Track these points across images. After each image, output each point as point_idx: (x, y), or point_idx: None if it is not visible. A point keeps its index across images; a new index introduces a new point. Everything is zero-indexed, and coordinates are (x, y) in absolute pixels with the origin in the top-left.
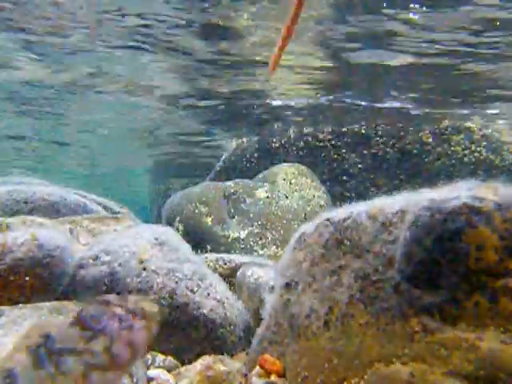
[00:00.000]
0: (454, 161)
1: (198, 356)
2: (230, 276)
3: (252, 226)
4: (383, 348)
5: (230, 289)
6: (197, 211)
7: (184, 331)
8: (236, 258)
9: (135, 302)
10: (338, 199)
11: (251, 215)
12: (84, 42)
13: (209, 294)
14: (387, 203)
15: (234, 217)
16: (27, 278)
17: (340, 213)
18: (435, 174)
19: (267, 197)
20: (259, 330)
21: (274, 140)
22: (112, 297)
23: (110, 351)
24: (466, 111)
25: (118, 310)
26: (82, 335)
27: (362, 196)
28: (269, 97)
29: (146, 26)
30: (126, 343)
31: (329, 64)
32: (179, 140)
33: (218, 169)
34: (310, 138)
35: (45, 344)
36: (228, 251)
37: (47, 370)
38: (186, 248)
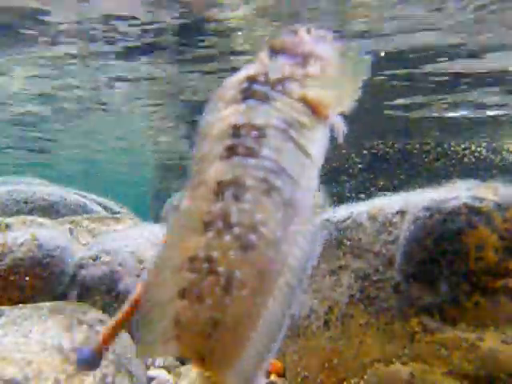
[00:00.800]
0: (453, 161)
1: None
2: None
3: None
4: (383, 348)
5: None
6: None
7: None
8: None
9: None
10: (338, 199)
11: None
12: None
13: None
14: (387, 203)
15: None
16: (27, 278)
17: (340, 213)
18: (435, 174)
19: None
20: None
21: None
22: (291, 27)
23: (325, 72)
24: None
25: (310, 36)
26: (294, 61)
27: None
28: None
29: None
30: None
31: None
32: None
33: None
34: None
35: (255, 82)
36: None
37: (277, 99)
38: None
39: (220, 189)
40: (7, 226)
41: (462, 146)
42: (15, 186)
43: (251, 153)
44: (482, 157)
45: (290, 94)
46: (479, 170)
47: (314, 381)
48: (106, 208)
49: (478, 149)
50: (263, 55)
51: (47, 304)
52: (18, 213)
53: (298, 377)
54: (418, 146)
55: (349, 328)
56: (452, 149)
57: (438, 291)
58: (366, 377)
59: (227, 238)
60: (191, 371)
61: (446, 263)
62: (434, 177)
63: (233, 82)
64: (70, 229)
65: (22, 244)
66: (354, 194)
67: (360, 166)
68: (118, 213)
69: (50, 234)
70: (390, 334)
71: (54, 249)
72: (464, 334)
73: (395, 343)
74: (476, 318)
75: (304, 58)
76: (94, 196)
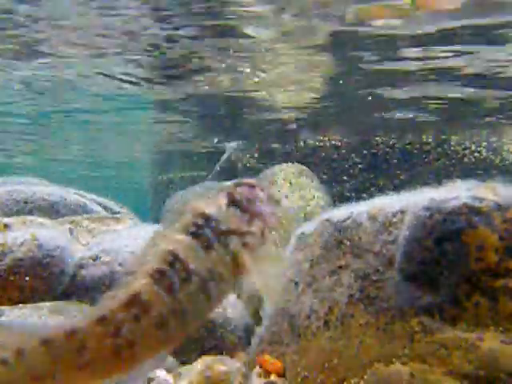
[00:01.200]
0: (453, 161)
1: (198, 356)
2: None
3: None
4: (383, 348)
5: None
6: None
7: None
8: None
9: (268, 187)
10: (338, 199)
11: None
12: None
13: None
14: (387, 203)
15: None
16: (27, 278)
17: (340, 213)
18: (435, 174)
19: None
20: (259, 330)
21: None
22: (250, 181)
23: (263, 234)
24: None
25: (262, 195)
26: (242, 217)
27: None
28: None
29: None
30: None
31: None
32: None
33: (218, 169)
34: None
35: (208, 225)
36: None
37: (216, 250)
38: None
39: (131, 302)
40: (6, 226)
41: (462, 146)
42: (15, 185)
43: (170, 291)
44: (481, 157)
45: (228, 248)
46: (479, 169)
47: (313, 381)
48: (105, 208)
49: (478, 149)
50: (222, 201)
51: (47, 304)
52: (18, 213)
53: (298, 377)
54: (418, 145)
55: (349, 328)
56: (452, 149)
57: (438, 291)
58: (365, 377)
59: (108, 342)
60: (191, 371)
61: (446, 263)
62: (434, 177)
63: (193, 209)
64: (70, 229)
65: (21, 244)
66: (354, 194)
67: (360, 166)
68: (118, 213)
69: (50, 234)
70: (390, 334)
71: (54, 249)
72: (464, 334)
73: (395, 343)
74: (476, 318)
75: (251, 217)
76: (94, 196)
